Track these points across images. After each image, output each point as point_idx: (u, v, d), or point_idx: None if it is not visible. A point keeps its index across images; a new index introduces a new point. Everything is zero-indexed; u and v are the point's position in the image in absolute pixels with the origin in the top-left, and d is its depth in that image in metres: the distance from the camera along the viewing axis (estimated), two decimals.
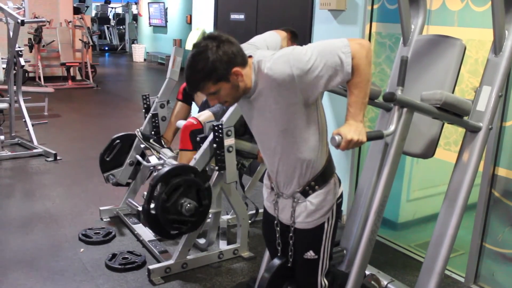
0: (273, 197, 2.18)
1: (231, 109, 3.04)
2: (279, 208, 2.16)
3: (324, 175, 2.02)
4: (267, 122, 1.94)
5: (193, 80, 1.88)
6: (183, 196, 2.84)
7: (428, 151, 2.39)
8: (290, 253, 2.17)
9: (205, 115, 3.27)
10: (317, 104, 1.92)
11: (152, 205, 2.79)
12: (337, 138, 1.80)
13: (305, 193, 2.03)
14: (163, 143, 3.70)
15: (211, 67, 1.81)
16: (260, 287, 2.20)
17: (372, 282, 2.52)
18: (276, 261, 2.22)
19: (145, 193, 2.85)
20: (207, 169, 3.13)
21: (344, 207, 3.93)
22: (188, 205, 2.83)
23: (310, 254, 2.10)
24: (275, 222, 2.20)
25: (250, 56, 1.93)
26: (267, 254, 2.51)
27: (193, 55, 1.84)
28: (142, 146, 3.77)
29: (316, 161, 1.99)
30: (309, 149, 1.95)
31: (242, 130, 3.37)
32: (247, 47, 2.02)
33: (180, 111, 3.73)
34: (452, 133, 3.15)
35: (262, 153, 2.13)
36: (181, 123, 3.45)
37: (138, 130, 3.77)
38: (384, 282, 2.93)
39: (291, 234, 2.13)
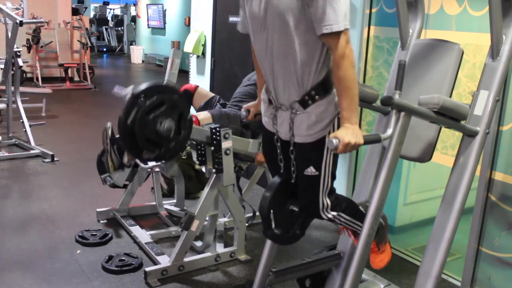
0: (271, 110, 2.13)
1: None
2: (278, 122, 2.11)
3: (325, 85, 1.98)
4: (271, 10, 1.91)
5: None
6: (164, 115, 2.60)
7: (426, 155, 2.39)
8: (292, 169, 2.13)
9: (204, 115, 3.27)
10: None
11: (130, 118, 2.57)
12: (334, 141, 1.81)
13: (304, 103, 1.99)
14: None
15: None
16: (262, 207, 2.16)
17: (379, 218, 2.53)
18: (277, 179, 2.18)
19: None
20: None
21: None
22: (167, 125, 2.60)
23: (311, 170, 2.05)
24: (275, 137, 2.16)
25: None
26: (267, 246, 2.49)
27: None
28: None
29: (316, 70, 1.95)
30: (308, 54, 1.92)
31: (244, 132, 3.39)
32: None
33: None
34: (449, 137, 3.15)
35: (257, 53, 2.10)
36: None
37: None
38: (381, 286, 2.94)
39: (291, 148, 2.09)
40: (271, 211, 2.19)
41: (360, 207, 2.36)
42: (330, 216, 2.17)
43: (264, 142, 2.33)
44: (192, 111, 3.71)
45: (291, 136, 2.06)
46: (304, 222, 2.33)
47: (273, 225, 2.22)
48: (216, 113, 3.28)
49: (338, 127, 2.01)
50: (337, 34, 1.83)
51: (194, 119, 3.23)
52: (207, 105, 3.62)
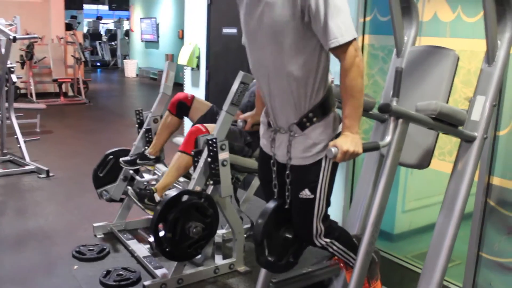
0: (269, 133, 2.13)
1: (219, 122, 3.04)
2: (276, 145, 2.10)
3: (323, 107, 1.98)
4: (265, 29, 1.91)
5: None
6: (185, 222, 2.83)
7: (424, 162, 2.38)
8: (287, 193, 2.11)
9: (213, 127, 3.24)
10: (319, 50, 1.91)
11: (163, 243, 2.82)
12: (333, 150, 1.80)
13: (302, 125, 1.98)
14: (149, 157, 3.65)
15: None
16: (256, 234, 2.13)
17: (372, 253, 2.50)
18: (271, 204, 2.15)
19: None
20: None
21: (339, 220, 3.92)
22: (195, 228, 2.84)
23: (306, 193, 2.04)
24: (272, 161, 2.14)
25: None
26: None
27: None
28: (131, 172, 3.74)
29: (313, 92, 1.94)
30: (304, 75, 1.91)
31: (246, 149, 3.38)
32: None
33: (172, 123, 3.62)
34: (447, 143, 3.15)
35: (254, 73, 2.08)
36: (179, 140, 3.43)
37: (121, 160, 3.63)
38: None
39: (287, 172, 2.07)
40: (265, 238, 2.16)
41: (354, 239, 2.35)
42: (323, 242, 2.16)
43: (260, 165, 2.32)
44: (187, 124, 3.69)
45: (288, 159, 2.06)
46: (298, 250, 2.30)
47: (266, 252, 2.18)
48: None
49: None
50: (345, 45, 1.83)
51: (203, 128, 3.21)
52: (207, 116, 3.57)
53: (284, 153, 2.06)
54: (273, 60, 1.94)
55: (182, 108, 3.58)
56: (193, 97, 3.60)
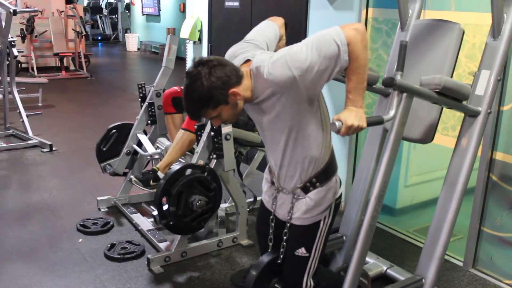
0: (272, 191, 2.18)
1: None
2: (278, 203, 2.16)
3: (327, 172, 2.03)
4: (273, 120, 1.93)
5: (193, 110, 1.90)
6: (189, 196, 2.85)
7: (427, 136, 2.38)
8: (282, 250, 2.17)
9: None
10: (319, 99, 1.91)
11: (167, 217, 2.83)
12: (337, 124, 1.80)
13: (306, 189, 2.04)
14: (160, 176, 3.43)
15: (207, 94, 1.82)
16: (248, 285, 2.19)
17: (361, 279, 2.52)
18: (265, 258, 2.22)
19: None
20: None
21: (343, 194, 3.94)
22: (199, 201, 2.85)
23: (302, 251, 2.11)
24: (271, 217, 2.20)
25: (248, 60, 1.92)
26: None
27: (187, 85, 1.85)
28: (135, 146, 3.74)
29: (320, 157, 1.99)
30: (314, 144, 1.95)
31: (250, 124, 3.38)
32: (246, 47, 2.00)
33: (179, 123, 3.63)
34: (450, 118, 3.14)
35: (267, 149, 2.12)
36: None
37: (133, 178, 3.43)
38: (384, 268, 2.94)
39: (285, 231, 2.14)
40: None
41: (339, 277, 2.38)
42: None
43: (259, 218, 2.37)
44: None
45: (289, 219, 2.11)
46: None
47: None
48: None
49: (334, 212, 2.10)
50: (348, 47, 1.76)
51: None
52: None
53: (286, 212, 2.12)
54: (287, 140, 1.96)
55: (178, 102, 3.59)
56: (180, 88, 3.63)
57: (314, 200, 2.04)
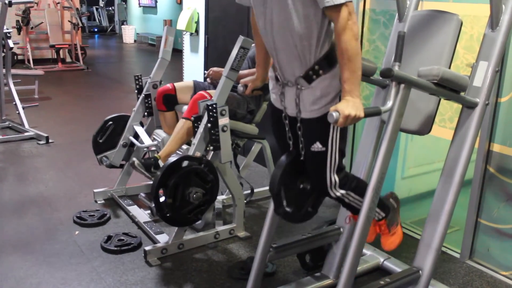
0: (278, 87, 2.14)
1: (219, 87, 3.02)
2: (286, 99, 2.12)
3: (329, 59, 1.98)
4: None
5: None
6: (186, 188, 2.84)
7: (425, 128, 2.37)
8: (301, 145, 2.13)
9: None
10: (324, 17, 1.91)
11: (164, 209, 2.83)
12: (334, 114, 1.79)
13: (309, 78, 1.99)
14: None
15: None
16: (273, 182, 2.15)
17: (391, 200, 2.50)
18: (286, 157, 2.17)
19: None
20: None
21: None
22: (196, 193, 2.85)
23: (317, 146, 2.05)
24: (283, 114, 2.16)
25: None
26: (267, 222, 2.45)
27: None
28: (131, 138, 3.75)
29: (316, 43, 1.95)
30: (308, 28, 1.91)
31: (248, 117, 3.37)
32: None
33: (170, 120, 3.62)
34: (447, 110, 3.14)
35: (260, 28, 2.08)
36: (183, 108, 3.41)
37: (136, 161, 3.35)
38: (381, 260, 2.95)
39: (298, 125, 2.09)
40: (281, 189, 2.17)
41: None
42: (338, 194, 2.15)
43: (272, 120, 2.31)
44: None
45: (298, 112, 2.06)
46: (316, 200, 2.31)
47: (285, 203, 2.20)
48: (229, 95, 3.22)
49: None
50: (339, 6, 1.82)
51: (208, 96, 3.20)
52: (197, 91, 3.56)
53: (293, 106, 2.07)
54: (277, 15, 1.94)
55: (169, 100, 3.57)
56: (173, 85, 3.61)
57: (320, 89, 1.99)
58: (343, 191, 2.16)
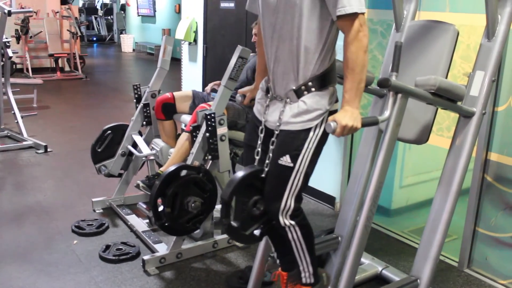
0: (265, 99, 2.14)
1: (217, 96, 3.03)
2: (269, 111, 2.10)
3: (323, 79, 1.99)
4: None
5: None
6: (184, 197, 2.84)
7: (422, 137, 2.39)
8: (267, 161, 2.07)
9: None
10: (331, 20, 1.92)
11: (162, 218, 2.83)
12: (332, 124, 1.80)
13: (300, 93, 1.99)
14: None
15: None
16: (227, 188, 2.05)
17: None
18: (249, 169, 2.10)
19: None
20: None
21: (337, 195, 3.94)
22: (194, 202, 2.85)
23: (286, 159, 2.00)
24: (260, 127, 2.14)
25: None
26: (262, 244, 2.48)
27: None
28: (129, 147, 3.75)
29: (317, 61, 1.96)
30: (312, 41, 1.93)
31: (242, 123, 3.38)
32: None
33: (169, 129, 3.63)
34: (445, 119, 3.15)
35: (264, 36, 2.09)
36: (185, 119, 3.41)
37: (141, 184, 3.38)
38: (379, 269, 2.95)
39: (273, 139, 2.05)
40: (233, 198, 2.07)
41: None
42: (287, 222, 2.07)
43: (248, 131, 2.30)
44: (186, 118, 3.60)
45: (277, 125, 2.04)
46: (264, 226, 2.20)
47: (232, 216, 2.10)
48: (229, 106, 3.23)
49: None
50: (351, 16, 1.83)
51: (208, 107, 3.21)
52: (196, 101, 3.57)
53: (276, 118, 2.05)
54: (285, 24, 1.95)
55: (168, 108, 3.58)
56: (172, 94, 3.61)
57: (307, 104, 1.97)
58: (292, 222, 2.08)
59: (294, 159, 2.00)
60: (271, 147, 2.07)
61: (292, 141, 2.01)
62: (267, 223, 2.18)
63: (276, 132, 2.05)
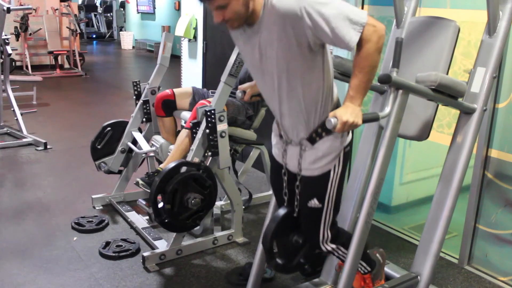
0: (281, 144, 2.16)
1: (217, 93, 3.02)
2: (288, 156, 2.14)
3: None
4: (268, 60, 1.90)
5: None
6: (184, 194, 2.84)
7: (423, 134, 2.38)
8: (296, 203, 2.16)
9: None
10: (323, 51, 1.88)
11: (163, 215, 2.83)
12: (332, 120, 1.80)
13: (312, 140, 2.01)
14: None
15: None
16: (266, 236, 2.17)
17: (377, 255, 2.51)
18: (281, 211, 2.20)
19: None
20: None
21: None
22: (194, 199, 2.85)
23: (314, 202, 2.08)
24: (283, 171, 2.19)
25: None
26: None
27: None
28: (129, 144, 3.74)
29: (321, 108, 1.96)
30: (312, 93, 1.93)
31: (247, 123, 3.37)
32: None
33: (169, 126, 3.62)
34: (445, 116, 3.15)
35: (262, 93, 2.10)
36: (185, 115, 3.40)
37: (140, 181, 3.38)
38: None
39: (297, 183, 2.12)
40: (274, 242, 2.20)
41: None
42: (329, 248, 2.20)
43: (272, 173, 2.34)
44: (185, 114, 3.59)
45: (299, 170, 2.10)
46: (308, 253, 2.32)
47: (276, 256, 2.23)
48: (229, 102, 3.22)
49: (344, 161, 2.06)
50: (361, 34, 1.77)
51: (208, 104, 3.20)
52: (196, 98, 3.56)
53: (295, 164, 2.11)
54: (281, 84, 1.94)
55: (168, 105, 3.57)
56: (172, 91, 3.61)
57: (322, 150, 2.01)
58: (333, 246, 2.20)
59: (321, 200, 2.08)
60: (296, 190, 2.14)
61: (316, 185, 2.09)
62: (309, 250, 2.30)
63: (299, 177, 2.11)
